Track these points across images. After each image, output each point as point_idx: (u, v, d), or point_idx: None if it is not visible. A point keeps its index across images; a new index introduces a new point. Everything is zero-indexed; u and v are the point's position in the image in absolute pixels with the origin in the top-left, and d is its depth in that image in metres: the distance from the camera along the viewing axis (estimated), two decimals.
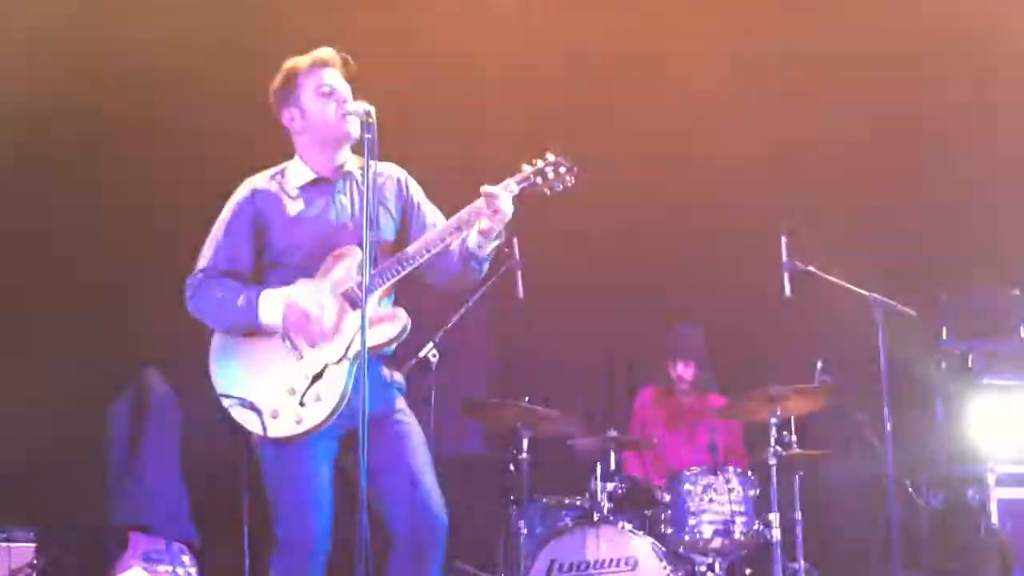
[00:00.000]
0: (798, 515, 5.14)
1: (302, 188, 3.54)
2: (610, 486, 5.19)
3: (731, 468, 5.26)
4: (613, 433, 5.41)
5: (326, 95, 3.50)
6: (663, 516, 5.23)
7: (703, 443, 5.81)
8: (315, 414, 3.33)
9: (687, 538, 5.12)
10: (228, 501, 5.26)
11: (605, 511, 5.09)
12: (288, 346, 3.39)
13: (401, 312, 3.42)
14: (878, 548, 5.87)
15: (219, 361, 3.45)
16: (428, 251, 3.42)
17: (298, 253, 3.47)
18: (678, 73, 6.35)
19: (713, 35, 6.29)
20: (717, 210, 6.74)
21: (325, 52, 3.56)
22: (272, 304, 3.38)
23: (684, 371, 6.08)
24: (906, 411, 5.81)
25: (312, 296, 3.38)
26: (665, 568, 4.83)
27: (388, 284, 3.42)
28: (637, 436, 6.04)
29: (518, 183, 3.44)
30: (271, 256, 3.50)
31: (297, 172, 3.58)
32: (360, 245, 3.30)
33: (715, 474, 5.17)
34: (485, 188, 3.38)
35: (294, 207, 3.51)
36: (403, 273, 3.42)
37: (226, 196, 3.59)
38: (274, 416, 3.34)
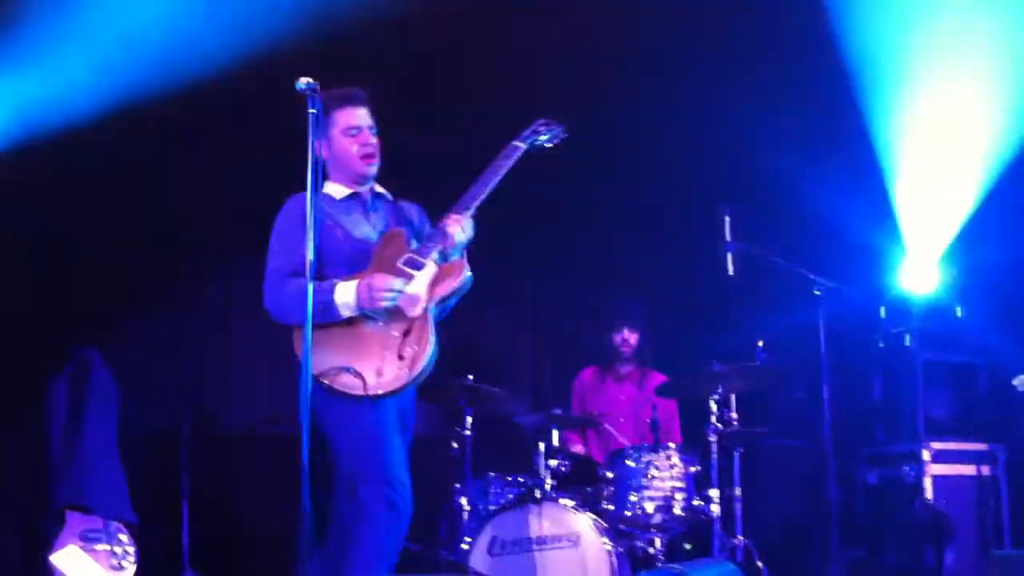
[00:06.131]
0: (738, 491, 5.20)
1: (341, 201, 3.81)
2: (553, 463, 5.20)
3: (672, 444, 5.30)
4: (557, 411, 5.43)
5: (352, 136, 3.74)
6: (605, 493, 5.26)
7: (644, 420, 5.84)
8: (419, 360, 3.53)
9: (628, 514, 5.14)
10: (167, 481, 5.22)
11: (548, 488, 5.11)
12: (371, 319, 3.57)
13: (462, 263, 3.70)
14: (816, 524, 5.96)
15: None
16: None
17: (342, 257, 3.69)
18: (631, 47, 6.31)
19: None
20: (661, 188, 6.77)
21: (358, 90, 3.78)
22: (345, 286, 3.57)
23: (629, 336, 6.14)
24: (844, 389, 5.89)
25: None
26: (607, 544, 4.85)
27: (434, 251, 3.65)
28: (577, 415, 6.07)
29: (522, 141, 3.87)
30: (320, 260, 3.61)
31: (333, 189, 3.83)
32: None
33: (656, 451, 5.20)
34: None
35: (335, 217, 3.75)
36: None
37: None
38: (379, 374, 3.52)
